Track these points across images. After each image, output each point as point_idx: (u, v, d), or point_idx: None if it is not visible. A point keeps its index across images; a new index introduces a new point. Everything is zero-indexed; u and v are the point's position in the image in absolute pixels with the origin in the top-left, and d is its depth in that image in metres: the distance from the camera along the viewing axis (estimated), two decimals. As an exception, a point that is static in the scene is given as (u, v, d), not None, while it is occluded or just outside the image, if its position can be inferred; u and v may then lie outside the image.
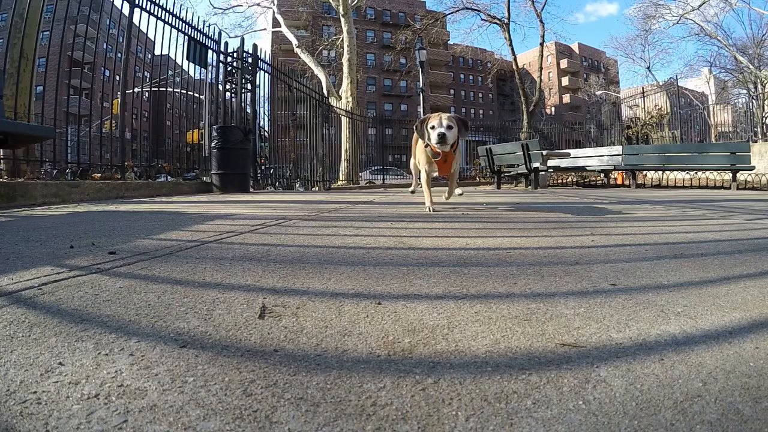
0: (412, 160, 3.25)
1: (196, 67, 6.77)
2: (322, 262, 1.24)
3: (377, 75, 43.50)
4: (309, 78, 15.15)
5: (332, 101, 13.61)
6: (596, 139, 16.37)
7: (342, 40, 15.35)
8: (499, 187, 10.29)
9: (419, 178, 3.12)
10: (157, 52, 6.28)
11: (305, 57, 15.94)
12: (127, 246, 1.50)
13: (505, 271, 1.13)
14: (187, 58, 6.39)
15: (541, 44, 18.10)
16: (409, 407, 0.48)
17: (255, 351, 0.63)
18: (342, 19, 14.70)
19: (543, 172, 8.87)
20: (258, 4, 18.44)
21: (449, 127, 2.50)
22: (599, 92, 37.28)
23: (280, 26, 16.76)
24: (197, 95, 8.02)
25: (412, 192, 4.16)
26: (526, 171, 8.79)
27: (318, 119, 11.02)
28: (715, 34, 24.19)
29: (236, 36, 17.91)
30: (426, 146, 2.71)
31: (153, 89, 6.58)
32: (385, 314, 0.79)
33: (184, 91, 8.02)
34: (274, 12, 17.95)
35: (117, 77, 5.58)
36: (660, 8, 25.07)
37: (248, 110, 7.81)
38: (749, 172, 8.08)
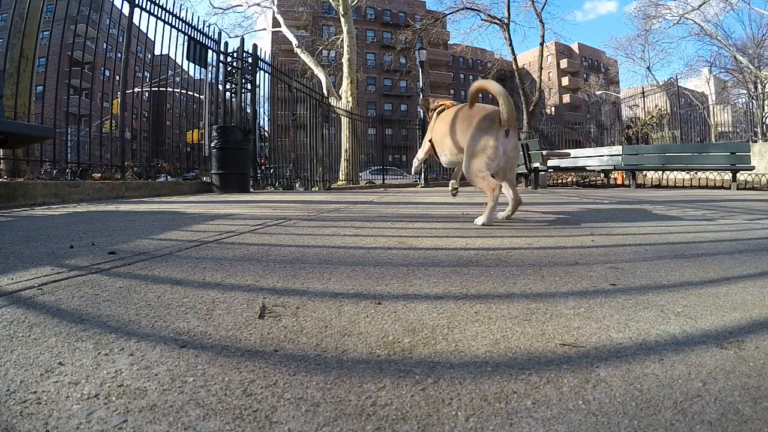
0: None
1: (196, 67, 6.77)
2: (322, 262, 1.24)
3: (377, 75, 43.51)
4: (309, 78, 15.16)
5: (332, 101, 13.61)
6: (596, 139, 16.36)
7: (342, 40, 15.34)
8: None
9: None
10: (157, 52, 6.29)
11: (305, 57, 15.94)
12: (127, 246, 1.50)
13: (505, 271, 1.13)
14: (187, 58, 6.39)
15: (541, 44, 18.12)
16: (409, 407, 0.48)
17: (255, 351, 0.63)
18: (342, 19, 14.70)
19: (543, 172, 8.88)
20: (258, 4, 18.44)
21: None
22: (599, 92, 37.26)
23: (280, 26, 16.77)
24: (197, 95, 8.02)
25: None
26: (526, 171, 8.80)
27: (318, 119, 11.02)
28: (715, 34, 24.22)
29: (236, 36, 17.93)
30: None
31: (153, 89, 6.58)
32: (385, 314, 0.79)
33: (184, 91, 8.03)
34: (274, 12, 17.95)
35: (117, 77, 5.58)
36: (660, 8, 25.12)
37: (248, 110, 7.81)
38: (749, 172, 8.08)
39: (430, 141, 2.58)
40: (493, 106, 2.15)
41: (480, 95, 2.20)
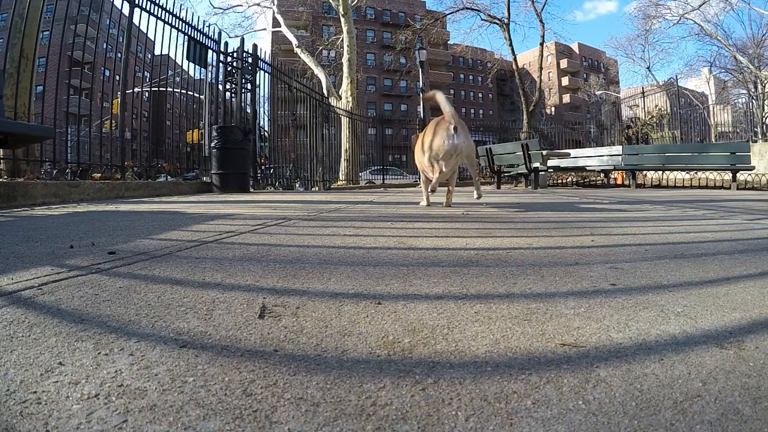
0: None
1: (196, 67, 6.77)
2: (322, 262, 1.24)
3: (377, 75, 43.50)
4: (309, 78, 15.16)
5: (332, 101, 13.60)
6: (596, 139, 16.36)
7: (342, 40, 15.34)
8: (499, 187, 10.29)
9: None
10: (157, 52, 6.28)
11: (305, 57, 15.94)
12: (127, 246, 1.50)
13: (505, 271, 1.13)
14: (187, 58, 6.39)
15: (541, 44, 18.12)
16: (409, 407, 0.48)
17: (255, 351, 0.63)
18: (342, 19, 14.70)
19: (543, 172, 8.87)
20: (258, 4, 18.44)
21: None
22: (599, 92, 37.25)
23: (280, 26, 16.76)
24: (197, 95, 8.02)
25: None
26: (526, 171, 8.80)
27: (318, 119, 11.01)
28: (715, 34, 24.22)
29: (236, 36, 17.92)
30: None
31: (153, 89, 6.57)
32: (385, 314, 0.79)
33: (184, 91, 8.02)
34: (274, 12, 17.94)
35: (117, 77, 5.58)
36: (660, 8, 25.15)
37: (248, 110, 7.80)
38: (749, 172, 8.08)
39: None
40: (441, 122, 2.78)
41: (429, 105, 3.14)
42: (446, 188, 3.20)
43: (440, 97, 2.77)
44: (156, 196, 5.00)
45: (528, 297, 0.90)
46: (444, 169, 2.70)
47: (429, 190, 2.75)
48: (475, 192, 3.31)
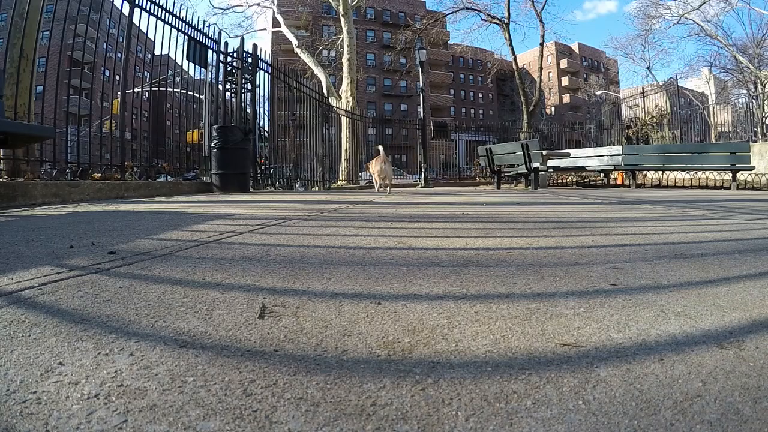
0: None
1: (196, 66, 6.77)
2: (322, 262, 1.24)
3: (377, 75, 43.50)
4: (309, 78, 15.15)
5: (332, 101, 13.59)
6: (596, 139, 16.35)
7: (342, 40, 15.33)
8: (499, 187, 10.28)
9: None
10: (157, 52, 6.28)
11: (305, 57, 15.92)
12: (127, 246, 1.50)
13: (505, 271, 1.13)
14: (187, 58, 6.38)
15: (541, 44, 18.11)
16: (409, 407, 0.48)
17: (255, 351, 0.63)
18: (342, 19, 14.69)
19: (543, 172, 8.87)
20: (258, 4, 18.42)
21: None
22: (599, 92, 37.27)
23: (280, 26, 16.75)
24: (197, 95, 8.02)
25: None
26: (526, 171, 8.79)
27: (318, 119, 11.01)
28: (715, 34, 24.22)
29: (236, 36, 17.89)
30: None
31: (153, 89, 6.57)
32: (385, 314, 0.79)
33: (184, 91, 8.02)
34: (274, 12, 17.93)
35: (117, 77, 5.58)
36: (660, 8, 25.15)
37: (248, 110, 7.80)
38: (749, 172, 8.08)
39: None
40: (379, 157, 5.81)
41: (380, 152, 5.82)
42: (387, 187, 6.10)
43: (381, 150, 5.73)
44: (156, 196, 5.00)
45: (528, 297, 0.90)
46: (379, 179, 5.52)
47: (378, 188, 5.85)
48: (387, 190, 5.97)
